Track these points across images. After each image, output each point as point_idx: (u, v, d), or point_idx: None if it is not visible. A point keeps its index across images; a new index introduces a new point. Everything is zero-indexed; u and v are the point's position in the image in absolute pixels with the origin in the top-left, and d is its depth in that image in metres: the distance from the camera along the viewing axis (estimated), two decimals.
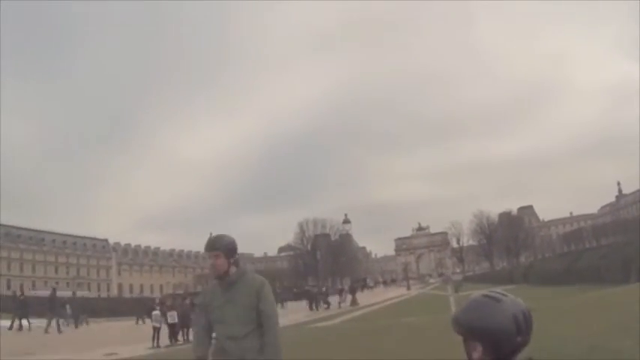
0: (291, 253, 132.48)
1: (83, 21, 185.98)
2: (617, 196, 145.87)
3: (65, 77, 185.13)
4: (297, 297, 52.25)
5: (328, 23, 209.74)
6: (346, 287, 58.31)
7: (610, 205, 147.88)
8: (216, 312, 4.76)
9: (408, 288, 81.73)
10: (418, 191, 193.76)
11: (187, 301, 30.00)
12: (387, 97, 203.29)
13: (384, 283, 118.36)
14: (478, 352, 2.05)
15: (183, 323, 25.32)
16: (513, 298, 2.07)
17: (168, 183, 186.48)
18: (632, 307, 13.68)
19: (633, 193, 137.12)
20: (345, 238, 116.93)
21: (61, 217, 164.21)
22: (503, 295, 2.08)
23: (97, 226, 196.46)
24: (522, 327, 1.99)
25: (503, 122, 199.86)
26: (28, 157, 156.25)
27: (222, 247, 4.78)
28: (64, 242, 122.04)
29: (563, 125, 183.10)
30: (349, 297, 50.59)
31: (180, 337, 25.52)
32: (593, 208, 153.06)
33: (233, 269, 4.79)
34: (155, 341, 23.83)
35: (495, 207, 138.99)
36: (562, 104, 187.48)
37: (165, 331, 25.15)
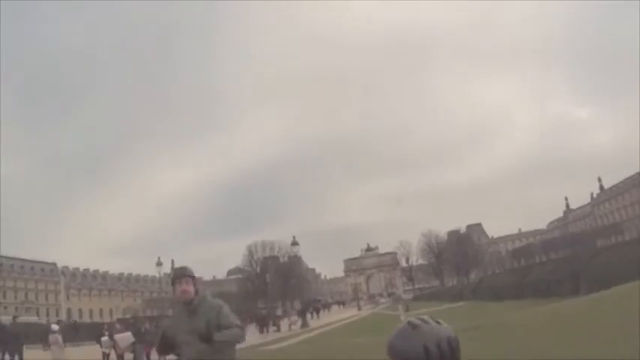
0: (240, 275, 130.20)
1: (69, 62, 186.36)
2: (564, 212, 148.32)
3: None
4: (246, 320, 50.74)
5: (291, 65, 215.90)
6: (298, 309, 57.04)
7: (558, 220, 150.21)
8: (181, 335, 4.95)
9: (359, 308, 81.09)
10: (367, 216, 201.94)
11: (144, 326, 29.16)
12: (344, 136, 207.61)
13: (338, 303, 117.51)
14: None
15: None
16: (433, 326, 2.01)
17: (133, 216, 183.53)
18: (581, 319, 13.82)
19: (581, 207, 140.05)
20: (294, 260, 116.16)
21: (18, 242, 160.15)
22: (424, 322, 2.03)
23: (57, 252, 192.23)
24: (433, 357, 1.94)
25: (452, 157, 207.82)
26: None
27: (191, 274, 5.21)
28: (12, 266, 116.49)
29: (505, 155, 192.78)
30: (299, 320, 49.81)
31: None
32: (541, 224, 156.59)
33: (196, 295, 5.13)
34: None
35: (444, 227, 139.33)
36: (502, 138, 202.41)
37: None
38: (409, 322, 2.02)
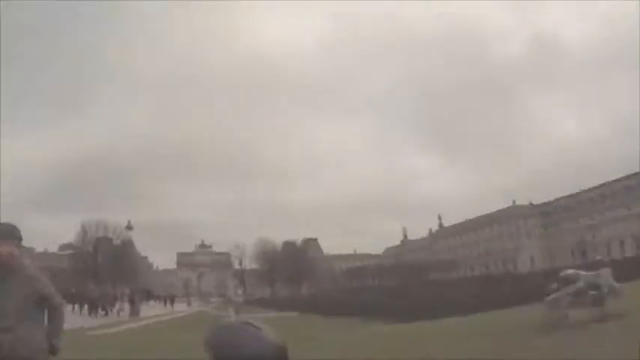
0: (72, 252, 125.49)
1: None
2: (402, 241, 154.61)
3: None
4: (75, 299, 48.67)
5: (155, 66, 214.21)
6: (128, 295, 55.49)
7: (395, 247, 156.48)
8: None
9: (189, 304, 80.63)
10: (206, 214, 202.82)
11: None
12: (197, 139, 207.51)
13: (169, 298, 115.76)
14: None
15: None
16: (270, 329, 1.95)
17: None
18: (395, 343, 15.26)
19: (419, 239, 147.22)
20: (128, 245, 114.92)
21: None
22: (261, 324, 1.97)
23: None
24: (284, 357, 1.91)
25: (297, 178, 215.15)
26: None
27: (16, 238, 4.65)
28: None
29: (349, 185, 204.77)
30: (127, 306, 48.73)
31: None
32: (378, 250, 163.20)
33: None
34: None
35: (281, 237, 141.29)
36: (347, 171, 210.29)
37: None
38: (249, 324, 1.95)
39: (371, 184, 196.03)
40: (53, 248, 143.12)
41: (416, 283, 45.94)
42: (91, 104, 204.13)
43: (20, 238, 4.70)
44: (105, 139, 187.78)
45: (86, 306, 45.69)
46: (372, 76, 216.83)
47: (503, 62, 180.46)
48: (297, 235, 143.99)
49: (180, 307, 72.45)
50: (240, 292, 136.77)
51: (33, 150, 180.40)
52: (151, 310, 55.09)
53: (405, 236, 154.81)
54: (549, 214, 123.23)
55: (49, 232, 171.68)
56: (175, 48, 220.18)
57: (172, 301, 72.21)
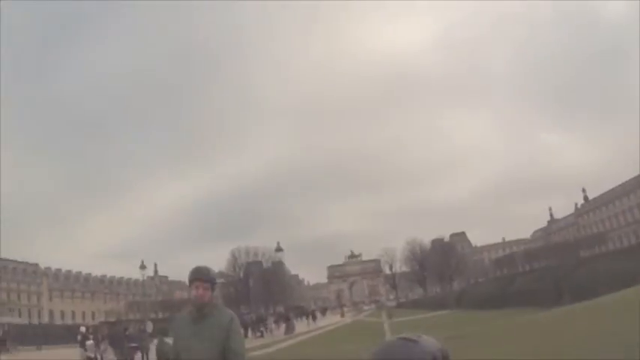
0: (223, 280, 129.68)
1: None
2: (548, 221, 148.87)
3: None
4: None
5: (286, 96, 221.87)
6: (291, 314, 56.45)
7: (542, 229, 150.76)
8: (181, 343, 4.61)
9: (342, 315, 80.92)
10: (352, 225, 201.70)
11: (121, 329, 28.76)
12: (333, 158, 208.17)
13: (324, 310, 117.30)
14: None
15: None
16: (428, 338, 1.94)
17: (124, 224, 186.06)
18: (564, 328, 14.01)
19: (565, 217, 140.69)
20: (278, 266, 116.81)
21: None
22: (418, 336, 1.94)
23: (41, 254, 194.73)
24: None
25: (433, 179, 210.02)
26: None
27: (212, 279, 4.76)
28: None
29: (484, 177, 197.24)
30: (282, 325, 49.53)
31: None
32: (525, 234, 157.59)
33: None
34: None
35: (428, 236, 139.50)
36: (479, 164, 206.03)
37: None
38: (404, 339, 1.91)
39: (509, 169, 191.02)
40: None
41: (563, 264, 43.53)
42: (235, 138, 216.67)
43: (211, 280, 4.77)
44: (248, 171, 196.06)
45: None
46: (492, 62, 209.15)
47: (621, 29, 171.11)
48: (445, 232, 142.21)
49: (334, 319, 72.81)
50: (392, 296, 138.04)
51: (184, 192, 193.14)
52: (306, 326, 55.57)
53: (551, 215, 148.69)
54: None
55: (198, 264, 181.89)
56: (294, 71, 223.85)
57: (314, 316, 71.95)
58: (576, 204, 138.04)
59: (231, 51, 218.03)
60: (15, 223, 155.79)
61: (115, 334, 27.06)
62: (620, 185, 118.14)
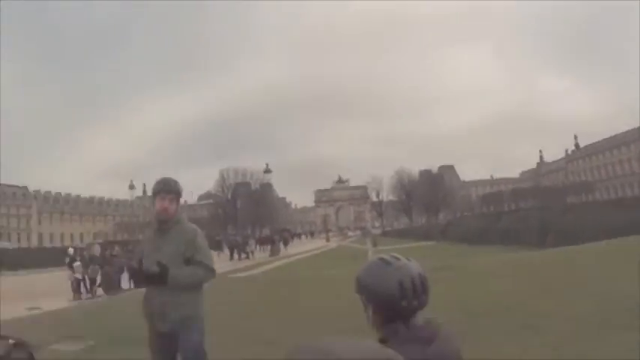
0: (211, 201, 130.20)
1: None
2: (538, 164, 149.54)
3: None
4: (217, 246, 50.68)
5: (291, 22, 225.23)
6: (276, 237, 56.85)
7: (531, 171, 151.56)
8: (145, 261, 4.44)
9: (328, 240, 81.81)
10: (342, 151, 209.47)
11: (107, 252, 29.12)
12: (330, 83, 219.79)
13: (307, 233, 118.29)
14: (369, 311, 2.11)
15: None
16: (406, 263, 2.08)
17: (115, 144, 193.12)
18: (550, 270, 14.12)
19: (555, 161, 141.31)
20: (266, 188, 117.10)
21: None
22: (396, 259, 2.09)
23: (32, 176, 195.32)
24: (408, 292, 2.01)
25: (430, 110, 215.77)
26: None
27: (179, 191, 4.64)
28: None
29: (481, 112, 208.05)
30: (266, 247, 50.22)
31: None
32: (514, 173, 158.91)
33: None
34: (78, 293, 23.05)
35: (417, 166, 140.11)
36: (478, 97, 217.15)
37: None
38: (381, 259, 2.09)
39: (505, 107, 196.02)
40: (193, 200, 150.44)
41: (550, 208, 44.23)
42: (231, 61, 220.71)
43: (178, 192, 4.63)
44: (243, 93, 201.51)
45: (226, 251, 47.09)
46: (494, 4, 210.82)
47: None
48: (434, 164, 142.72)
49: (319, 243, 73.66)
50: (377, 224, 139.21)
51: (175, 112, 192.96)
52: (291, 249, 56.15)
53: (541, 158, 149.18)
54: None
55: (190, 185, 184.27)
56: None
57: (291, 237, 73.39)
58: (567, 150, 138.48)
59: None
60: (5, 146, 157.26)
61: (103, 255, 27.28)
62: (613, 136, 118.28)
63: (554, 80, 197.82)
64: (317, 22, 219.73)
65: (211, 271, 4.53)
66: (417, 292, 2.01)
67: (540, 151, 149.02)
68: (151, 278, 4.37)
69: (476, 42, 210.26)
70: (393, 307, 2.01)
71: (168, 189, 4.54)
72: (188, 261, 4.43)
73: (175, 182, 4.66)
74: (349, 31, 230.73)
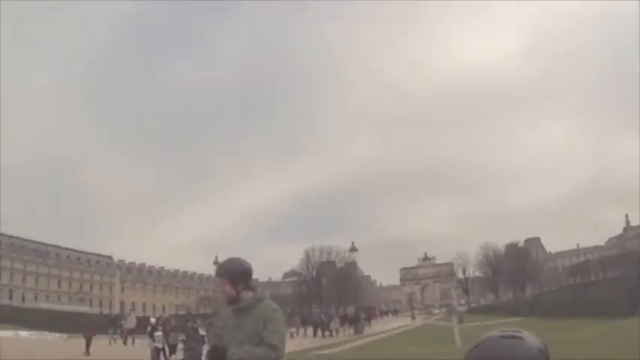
0: (296, 278, 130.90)
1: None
2: (624, 229, 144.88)
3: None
4: (302, 323, 51.22)
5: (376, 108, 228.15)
6: (361, 315, 56.72)
7: (617, 237, 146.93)
8: (225, 338, 4.34)
9: (413, 318, 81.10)
10: (427, 229, 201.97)
11: (190, 324, 29.71)
12: (412, 168, 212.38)
13: (394, 312, 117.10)
14: None
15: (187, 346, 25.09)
16: (530, 334, 1.87)
17: (203, 222, 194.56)
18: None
19: None
20: (351, 266, 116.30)
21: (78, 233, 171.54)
22: (519, 331, 1.88)
23: (117, 247, 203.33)
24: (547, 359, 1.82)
25: (514, 183, 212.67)
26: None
27: (226, 273, 4.44)
28: (68, 257, 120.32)
29: (564, 184, 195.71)
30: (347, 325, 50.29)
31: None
32: (600, 241, 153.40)
33: (247, 295, 4.43)
34: None
35: (503, 240, 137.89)
36: (558, 172, 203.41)
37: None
38: (504, 336, 1.87)
39: (588, 176, 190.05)
40: (277, 277, 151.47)
41: (638, 274, 42.87)
42: (320, 140, 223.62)
43: (232, 272, 4.45)
44: (331, 172, 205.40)
45: (310, 328, 47.61)
46: (570, 75, 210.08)
47: None
48: (519, 237, 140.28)
49: (404, 321, 73.15)
50: (463, 301, 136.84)
51: (267, 187, 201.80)
52: (376, 327, 56.05)
53: (627, 223, 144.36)
54: None
55: (274, 263, 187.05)
56: (385, 79, 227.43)
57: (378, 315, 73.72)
58: None
59: (326, 57, 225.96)
60: (93, 215, 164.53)
61: (184, 326, 28.01)
62: None
63: (636, 138, 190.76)
64: (406, 102, 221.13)
65: (274, 349, 4.18)
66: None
67: (626, 216, 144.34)
68: (210, 357, 4.30)
69: (556, 114, 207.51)
70: None
71: (220, 272, 4.49)
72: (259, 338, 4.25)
73: (229, 262, 4.58)
74: (438, 113, 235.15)
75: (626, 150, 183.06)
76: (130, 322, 44.18)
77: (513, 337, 1.84)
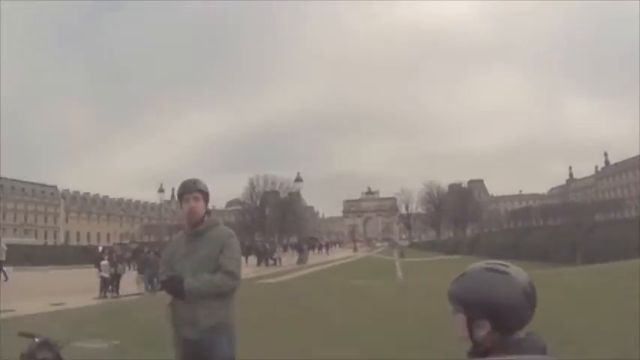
0: (240, 207, 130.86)
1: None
2: (567, 180, 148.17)
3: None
4: (245, 252, 50.53)
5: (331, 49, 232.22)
6: (304, 245, 56.66)
7: (560, 187, 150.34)
8: (177, 265, 4.15)
9: (355, 250, 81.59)
10: (373, 166, 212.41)
11: (148, 251, 29.42)
12: (366, 103, 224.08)
13: (335, 243, 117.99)
14: (485, 328, 1.82)
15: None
16: (520, 270, 1.85)
17: (147, 151, 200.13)
18: (583, 287, 14.05)
19: (584, 178, 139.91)
20: (295, 197, 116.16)
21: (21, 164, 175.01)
22: (506, 266, 1.85)
23: (63, 176, 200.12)
24: (532, 301, 1.81)
25: (462, 131, 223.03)
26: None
27: (203, 189, 4.29)
28: (13, 187, 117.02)
29: (510, 134, 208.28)
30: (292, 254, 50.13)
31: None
32: (543, 189, 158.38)
33: (206, 218, 4.26)
34: (103, 292, 23.30)
35: (447, 180, 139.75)
36: (507, 121, 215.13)
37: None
38: (492, 269, 1.84)
39: (536, 128, 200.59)
40: (221, 206, 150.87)
41: (578, 225, 43.57)
42: (269, 80, 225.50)
43: (203, 191, 4.27)
44: (279, 110, 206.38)
45: (254, 257, 47.15)
46: (529, 31, 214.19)
47: None
48: (463, 178, 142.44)
49: (346, 253, 73.45)
50: (404, 236, 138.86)
51: (213, 121, 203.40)
52: (319, 258, 55.99)
53: (571, 175, 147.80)
54: None
55: (219, 192, 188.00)
56: (343, 25, 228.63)
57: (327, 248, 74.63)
58: (596, 167, 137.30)
59: None
60: (37, 146, 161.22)
61: (138, 256, 27.74)
62: None
63: (586, 99, 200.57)
64: (351, 46, 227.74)
65: (232, 276, 4.07)
66: (534, 300, 1.82)
67: (570, 168, 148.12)
68: (165, 288, 4.15)
69: (509, 66, 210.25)
70: (519, 318, 1.81)
71: (192, 188, 4.24)
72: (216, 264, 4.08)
73: (198, 181, 4.33)
74: (382, 54, 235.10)
75: (576, 108, 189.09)
76: None
77: (499, 270, 1.83)
